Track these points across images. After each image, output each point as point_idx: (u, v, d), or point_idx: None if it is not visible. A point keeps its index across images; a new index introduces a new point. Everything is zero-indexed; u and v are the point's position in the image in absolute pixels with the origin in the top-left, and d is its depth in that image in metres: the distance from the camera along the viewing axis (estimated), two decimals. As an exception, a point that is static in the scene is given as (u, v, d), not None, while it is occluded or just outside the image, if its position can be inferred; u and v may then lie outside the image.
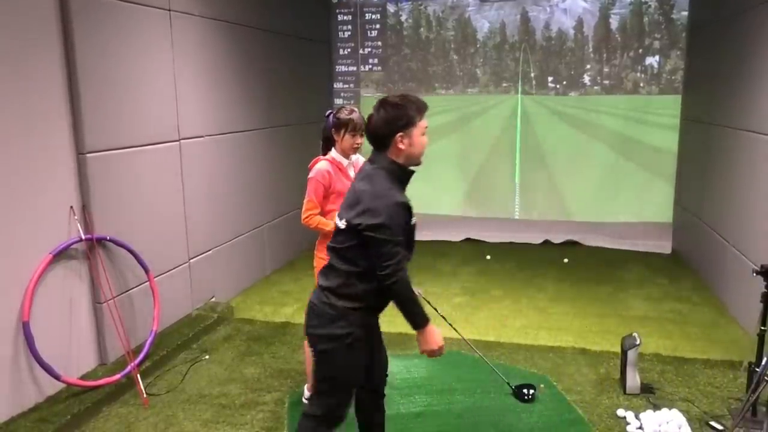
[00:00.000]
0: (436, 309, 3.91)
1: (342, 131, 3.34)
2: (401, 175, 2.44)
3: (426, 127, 2.45)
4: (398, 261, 2.31)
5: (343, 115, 3.35)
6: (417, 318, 2.41)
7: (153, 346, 4.18)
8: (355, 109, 3.39)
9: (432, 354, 2.45)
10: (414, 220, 2.42)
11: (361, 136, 3.39)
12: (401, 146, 2.39)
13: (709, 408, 3.58)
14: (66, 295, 3.77)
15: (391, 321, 4.85)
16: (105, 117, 3.93)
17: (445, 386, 3.89)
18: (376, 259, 2.32)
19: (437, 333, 2.44)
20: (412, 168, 2.47)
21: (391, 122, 2.37)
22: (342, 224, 2.41)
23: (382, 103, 2.41)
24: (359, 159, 3.69)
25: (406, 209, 2.36)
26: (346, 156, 3.43)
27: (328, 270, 2.50)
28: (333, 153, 3.40)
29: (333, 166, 3.35)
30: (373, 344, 2.66)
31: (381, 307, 2.52)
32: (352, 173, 3.42)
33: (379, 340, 2.76)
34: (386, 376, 2.87)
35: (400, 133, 2.37)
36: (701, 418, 3.47)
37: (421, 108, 2.42)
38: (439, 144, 7.95)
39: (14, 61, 3.34)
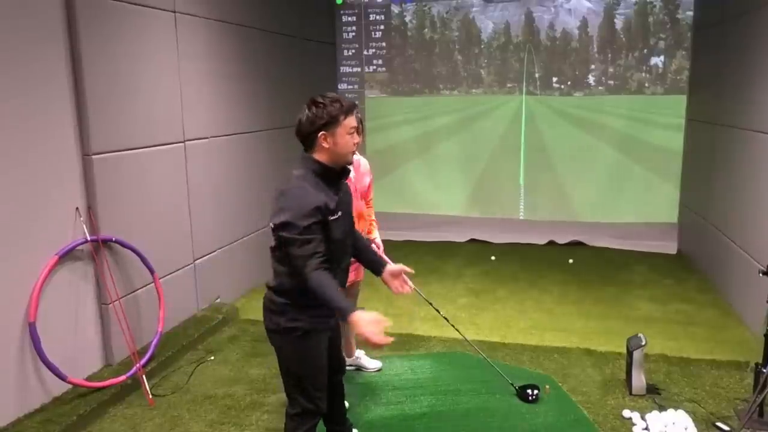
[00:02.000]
0: (438, 310, 3.91)
1: None
2: (324, 173, 2.45)
3: (353, 127, 2.46)
4: (307, 257, 2.29)
5: None
6: (340, 310, 2.33)
7: (158, 346, 4.19)
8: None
9: (368, 342, 2.25)
10: (335, 216, 2.41)
11: (359, 135, 3.42)
12: (325, 145, 2.42)
13: (715, 409, 3.56)
14: (72, 296, 3.78)
15: (395, 321, 4.89)
16: (110, 118, 3.95)
17: (449, 387, 3.88)
18: (292, 260, 2.34)
19: (366, 320, 2.24)
20: (338, 167, 2.49)
21: (314, 121, 2.40)
22: (270, 225, 2.43)
23: (308, 103, 2.44)
24: (360, 159, 3.69)
25: (316, 207, 2.33)
26: None
27: (273, 270, 2.55)
28: None
29: None
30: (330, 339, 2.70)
31: (317, 303, 2.41)
32: (352, 174, 3.42)
33: (335, 338, 2.81)
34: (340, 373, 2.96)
35: (323, 132, 2.40)
36: (707, 419, 3.46)
37: (348, 108, 2.43)
38: (443, 145, 7.96)
39: (20, 64, 3.36)
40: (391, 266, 2.75)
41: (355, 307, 2.33)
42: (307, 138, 2.45)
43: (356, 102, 2.50)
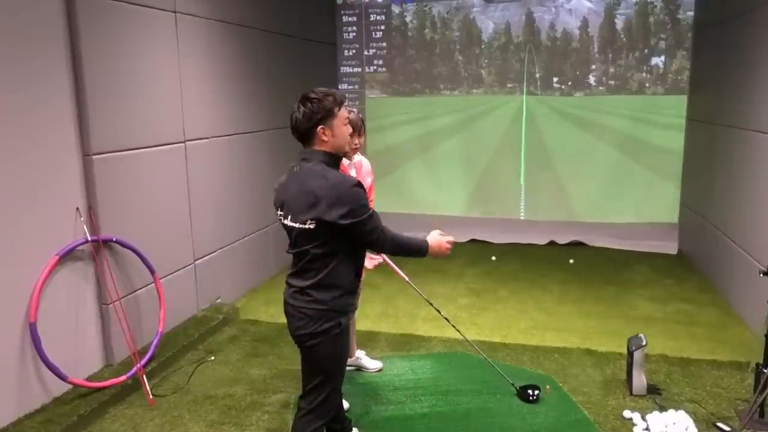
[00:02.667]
0: (439, 311, 3.92)
1: None
2: (334, 164, 2.53)
3: (347, 118, 2.54)
4: (379, 228, 2.47)
5: None
6: (421, 248, 2.64)
7: (159, 347, 4.19)
8: (354, 110, 3.44)
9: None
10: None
11: (359, 135, 3.45)
12: (324, 138, 2.46)
13: (716, 409, 3.56)
14: (72, 296, 3.78)
15: (396, 322, 4.89)
16: (111, 118, 3.95)
17: (450, 387, 3.88)
18: (365, 238, 2.45)
19: (438, 242, 2.69)
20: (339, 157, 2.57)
21: (312, 116, 2.44)
22: (309, 226, 2.40)
23: (302, 100, 2.47)
24: (362, 160, 3.70)
25: (362, 187, 2.45)
26: (347, 156, 3.45)
27: (300, 272, 2.51)
28: None
29: None
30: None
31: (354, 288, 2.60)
32: (353, 174, 3.43)
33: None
34: None
35: (321, 126, 2.44)
36: (708, 419, 3.46)
37: (339, 100, 2.49)
38: (444, 145, 7.96)
39: (21, 64, 3.36)
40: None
41: (426, 240, 2.62)
42: (306, 134, 2.48)
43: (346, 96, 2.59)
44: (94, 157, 3.81)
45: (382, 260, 3.81)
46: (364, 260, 2.64)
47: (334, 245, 2.43)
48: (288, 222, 2.47)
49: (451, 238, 2.69)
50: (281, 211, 2.52)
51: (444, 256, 2.69)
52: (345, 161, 3.45)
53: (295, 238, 2.47)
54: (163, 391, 3.89)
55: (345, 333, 2.55)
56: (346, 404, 3.21)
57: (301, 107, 2.45)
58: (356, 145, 3.43)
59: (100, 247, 3.88)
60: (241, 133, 5.51)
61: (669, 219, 7.23)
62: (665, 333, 4.66)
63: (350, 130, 2.55)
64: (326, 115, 2.44)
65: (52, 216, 3.61)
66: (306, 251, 2.45)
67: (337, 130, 2.47)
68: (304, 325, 2.49)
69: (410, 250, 2.60)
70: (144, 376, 3.85)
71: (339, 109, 2.47)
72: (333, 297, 2.47)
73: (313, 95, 2.45)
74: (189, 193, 4.81)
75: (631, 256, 6.85)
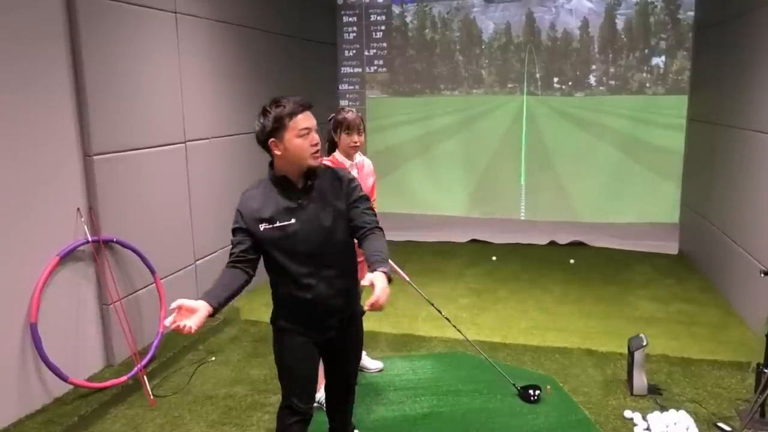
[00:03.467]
0: (439, 311, 3.91)
1: (338, 131, 3.43)
2: (275, 181, 2.41)
3: (304, 128, 2.32)
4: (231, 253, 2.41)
5: (339, 115, 3.43)
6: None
7: (159, 347, 4.19)
8: (352, 110, 3.47)
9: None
10: (272, 225, 2.35)
11: (359, 134, 3.45)
12: (277, 152, 2.34)
13: (716, 409, 3.56)
14: (73, 296, 3.79)
15: (396, 322, 4.89)
16: (111, 119, 3.95)
17: (451, 387, 3.88)
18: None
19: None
20: (297, 173, 2.39)
21: (263, 130, 2.34)
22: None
23: (259, 112, 2.37)
24: (364, 160, 3.69)
25: (239, 215, 2.40)
26: (348, 156, 3.46)
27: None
28: (336, 154, 3.47)
29: (334, 166, 3.37)
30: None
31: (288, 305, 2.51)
32: (355, 174, 3.42)
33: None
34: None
35: (272, 139, 2.33)
36: (709, 419, 3.45)
37: (292, 109, 2.31)
38: (444, 145, 7.97)
39: (21, 65, 3.36)
40: (369, 276, 2.22)
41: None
42: (264, 147, 2.39)
43: (308, 102, 2.37)
44: (94, 157, 3.82)
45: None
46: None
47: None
48: None
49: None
50: None
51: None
52: (346, 161, 3.45)
53: None
54: (164, 392, 3.89)
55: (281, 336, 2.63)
56: None
57: (257, 119, 2.37)
58: (355, 143, 3.45)
59: (101, 247, 3.88)
60: (241, 133, 5.51)
61: (669, 219, 7.23)
62: (666, 333, 4.66)
63: (314, 140, 2.36)
64: (276, 127, 2.30)
65: (53, 216, 3.61)
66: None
67: (289, 143, 2.31)
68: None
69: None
70: (145, 377, 3.85)
71: (291, 119, 2.30)
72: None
73: (267, 106, 2.34)
74: (189, 194, 4.81)
75: (631, 256, 6.85)
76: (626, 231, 7.32)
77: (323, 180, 2.44)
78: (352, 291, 2.60)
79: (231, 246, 2.41)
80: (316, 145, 2.36)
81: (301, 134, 2.32)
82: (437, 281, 5.97)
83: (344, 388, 2.82)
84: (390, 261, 3.80)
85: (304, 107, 2.35)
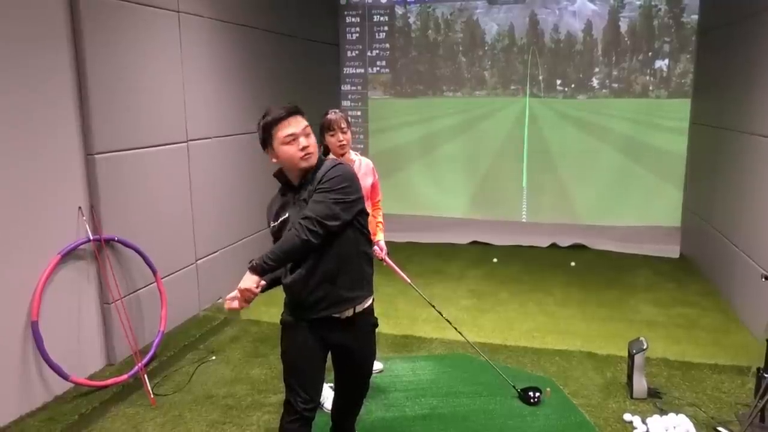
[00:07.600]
0: (440, 312, 3.91)
1: (324, 133, 3.45)
2: (282, 183, 2.59)
3: (289, 135, 2.40)
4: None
5: (323, 118, 3.46)
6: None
7: (160, 346, 4.20)
8: (335, 110, 3.49)
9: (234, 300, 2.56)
10: (273, 223, 2.55)
11: (342, 133, 3.46)
12: (273, 160, 2.50)
13: (716, 413, 3.56)
14: (74, 295, 3.80)
15: (396, 323, 4.89)
16: (113, 118, 3.96)
17: (451, 389, 3.88)
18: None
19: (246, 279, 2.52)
20: (295, 175, 2.50)
21: (261, 142, 2.51)
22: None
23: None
24: (361, 160, 3.68)
25: (267, 219, 2.59)
26: (339, 156, 3.46)
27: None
28: (331, 156, 3.47)
29: None
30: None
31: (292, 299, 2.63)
32: None
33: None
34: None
35: (266, 150, 2.50)
36: (708, 423, 3.45)
37: (274, 119, 2.41)
38: (446, 146, 7.96)
39: (24, 64, 3.37)
40: None
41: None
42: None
43: (293, 107, 2.46)
44: (96, 156, 3.83)
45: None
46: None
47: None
48: None
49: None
50: None
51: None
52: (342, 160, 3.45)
53: None
54: (164, 391, 3.89)
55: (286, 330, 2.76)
56: None
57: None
58: (341, 141, 3.45)
59: (102, 246, 3.88)
60: (243, 133, 5.52)
61: (671, 222, 7.22)
62: (667, 336, 4.66)
63: (301, 144, 2.40)
64: (266, 138, 2.46)
65: (55, 215, 3.62)
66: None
67: (279, 150, 2.44)
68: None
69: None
70: (145, 376, 3.85)
71: (275, 128, 2.41)
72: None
73: (260, 120, 2.49)
74: (191, 193, 4.82)
75: (633, 259, 6.84)
76: (628, 234, 7.31)
77: (317, 175, 2.45)
78: (355, 282, 2.53)
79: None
80: (304, 149, 2.40)
81: (287, 141, 2.41)
82: (438, 282, 5.97)
83: (354, 389, 2.86)
84: (390, 261, 3.83)
85: (289, 113, 2.43)
